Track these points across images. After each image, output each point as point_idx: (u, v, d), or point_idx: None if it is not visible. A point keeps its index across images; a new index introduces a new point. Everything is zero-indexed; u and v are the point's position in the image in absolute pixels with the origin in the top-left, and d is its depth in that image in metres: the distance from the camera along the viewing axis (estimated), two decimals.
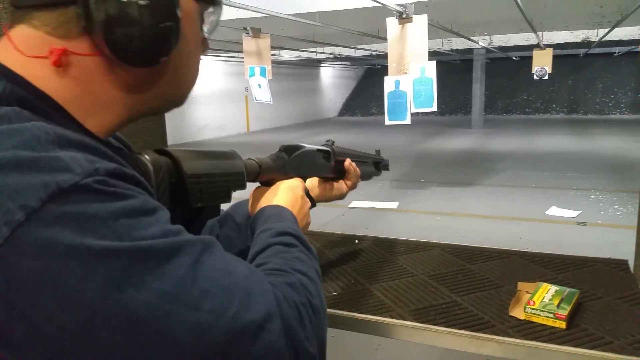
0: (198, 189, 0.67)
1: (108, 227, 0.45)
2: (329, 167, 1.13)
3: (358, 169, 1.22)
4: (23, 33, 0.55)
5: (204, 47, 0.68)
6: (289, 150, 0.97)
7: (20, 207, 0.42)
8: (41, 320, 0.42)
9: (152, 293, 0.45)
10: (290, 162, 0.95)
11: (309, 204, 0.91)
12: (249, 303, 0.51)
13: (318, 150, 1.08)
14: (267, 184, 0.90)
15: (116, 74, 0.57)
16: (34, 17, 0.54)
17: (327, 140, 1.16)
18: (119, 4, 0.53)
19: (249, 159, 0.84)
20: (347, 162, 1.18)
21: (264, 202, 0.84)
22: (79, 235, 0.43)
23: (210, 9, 0.66)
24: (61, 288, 0.42)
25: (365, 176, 1.33)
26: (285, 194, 0.86)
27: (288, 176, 0.93)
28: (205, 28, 0.67)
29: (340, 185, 1.19)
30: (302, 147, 1.01)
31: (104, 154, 0.52)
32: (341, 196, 1.20)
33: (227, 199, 0.74)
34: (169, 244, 0.49)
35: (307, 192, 1.07)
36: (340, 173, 1.19)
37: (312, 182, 1.12)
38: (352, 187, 1.22)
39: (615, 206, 5.86)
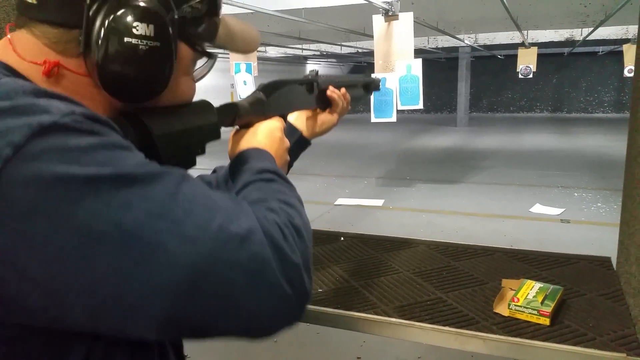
0: (169, 147, 0.67)
1: (89, 156, 0.48)
2: (313, 99, 1.10)
3: (347, 95, 1.18)
4: (23, 38, 0.59)
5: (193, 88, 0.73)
6: (268, 89, 0.94)
7: (7, 143, 0.46)
8: (41, 243, 0.46)
9: (140, 212, 0.49)
10: (268, 102, 0.93)
11: (287, 143, 0.91)
12: (231, 218, 0.55)
13: (300, 83, 1.06)
14: (247, 126, 0.89)
15: (105, 95, 0.60)
16: (37, 27, 0.58)
17: (311, 71, 1.13)
18: (120, 45, 0.57)
19: (225, 104, 0.84)
20: (329, 90, 1.14)
21: (242, 145, 0.85)
22: (63, 165, 0.46)
23: (204, 59, 0.72)
24: (53, 212, 0.46)
25: (354, 100, 1.28)
26: (263, 135, 0.86)
27: (267, 117, 0.91)
28: (196, 73, 0.72)
29: (329, 117, 1.16)
30: (282, 83, 0.99)
31: (79, 104, 0.54)
32: (333, 126, 1.17)
33: (202, 151, 0.74)
34: (150, 170, 0.52)
35: (299, 133, 1.09)
36: (327, 103, 1.15)
37: (300, 119, 1.11)
38: (342, 113, 1.19)
39: (598, 204, 5.93)
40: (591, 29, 8.43)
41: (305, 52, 13.28)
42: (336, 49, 12.53)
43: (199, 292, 0.51)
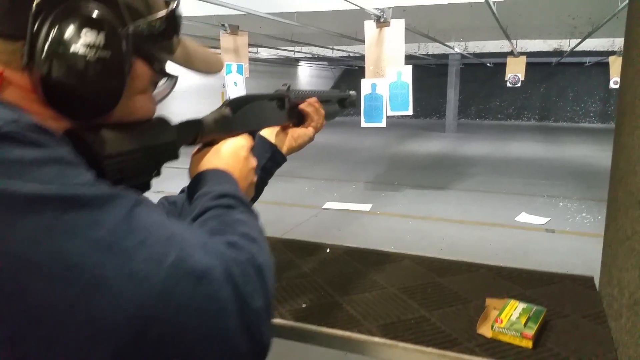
0: (117, 169, 0.61)
1: (34, 171, 0.44)
2: (284, 115, 1.05)
3: (321, 109, 1.15)
4: None
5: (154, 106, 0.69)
6: (234, 104, 0.89)
7: None
8: None
9: (85, 241, 0.44)
10: (235, 118, 0.87)
11: (254, 163, 0.85)
12: (188, 254, 0.49)
13: (270, 98, 1.01)
14: (211, 144, 0.83)
15: (52, 113, 0.56)
16: None
17: (283, 85, 1.08)
18: (66, 55, 0.53)
19: (186, 120, 0.78)
20: (304, 104, 1.10)
21: (203, 165, 0.79)
22: (3, 179, 0.42)
23: (164, 80, 0.68)
24: None
25: (328, 116, 1.24)
26: (226, 155, 0.81)
27: (234, 134, 0.86)
28: (156, 93, 0.68)
29: (304, 131, 1.12)
30: (250, 99, 0.94)
31: (25, 113, 0.50)
32: (310, 140, 1.13)
33: (157, 173, 0.69)
34: (100, 193, 0.47)
35: (274, 148, 1.04)
36: (301, 118, 1.12)
37: (274, 134, 1.07)
38: (318, 128, 1.15)
39: (583, 214, 5.98)
40: (579, 40, 8.52)
41: (297, 55, 13.26)
42: (328, 52, 12.53)
43: (145, 338, 0.45)
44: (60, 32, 0.53)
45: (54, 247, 0.43)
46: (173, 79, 0.70)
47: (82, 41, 0.53)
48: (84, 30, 0.54)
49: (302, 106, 1.10)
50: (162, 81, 0.71)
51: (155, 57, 0.65)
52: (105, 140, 0.60)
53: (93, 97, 0.56)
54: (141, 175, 0.66)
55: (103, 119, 0.60)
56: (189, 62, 0.71)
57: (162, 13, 0.63)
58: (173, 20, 0.65)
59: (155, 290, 0.46)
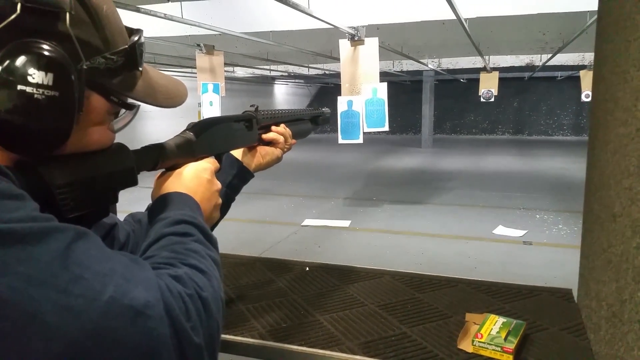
0: (71, 197, 0.61)
1: None
2: (252, 136, 1.05)
3: (288, 130, 1.16)
4: None
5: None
6: (197, 128, 0.88)
7: None
8: None
9: (17, 277, 0.43)
10: (198, 142, 0.87)
11: (218, 186, 0.85)
12: (127, 289, 0.49)
13: (237, 120, 1.00)
14: (173, 168, 0.83)
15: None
16: None
17: (251, 105, 1.08)
18: (12, 93, 0.52)
19: (146, 146, 0.78)
20: (267, 135, 1.11)
21: (165, 188, 0.79)
22: None
23: (123, 111, 0.68)
24: None
25: (300, 134, 1.25)
26: (188, 178, 0.80)
27: (198, 158, 0.86)
28: (115, 123, 0.68)
29: (273, 149, 1.12)
30: (215, 122, 0.93)
31: None
32: (277, 160, 1.14)
33: (114, 199, 0.68)
34: (37, 228, 0.47)
35: (240, 164, 1.04)
36: (269, 139, 1.12)
37: (238, 153, 1.07)
38: (286, 149, 1.16)
39: (560, 226, 6.06)
40: (550, 55, 8.72)
41: (273, 73, 13.31)
42: (304, 71, 12.61)
43: None
44: (7, 71, 0.52)
45: None
46: (131, 109, 0.69)
47: (30, 80, 0.53)
48: (32, 70, 0.53)
49: (265, 136, 1.11)
50: (122, 111, 0.70)
51: (113, 91, 0.64)
52: (56, 171, 0.60)
53: (39, 134, 0.55)
54: (97, 202, 0.66)
55: (56, 151, 0.59)
56: (150, 97, 0.70)
57: (121, 48, 0.62)
58: (132, 55, 0.64)
59: (90, 325, 0.46)
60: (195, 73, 6.08)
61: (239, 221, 6.10)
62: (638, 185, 0.94)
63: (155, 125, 14.30)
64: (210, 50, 5.72)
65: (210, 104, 5.72)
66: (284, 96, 23.05)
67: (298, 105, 24.12)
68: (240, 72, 12.64)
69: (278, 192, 8.16)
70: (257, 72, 12.88)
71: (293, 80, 19.99)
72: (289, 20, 5.87)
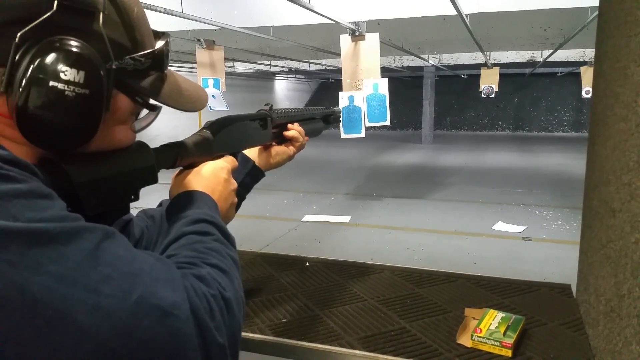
0: (93, 195, 0.62)
1: (1, 206, 0.44)
2: (267, 135, 1.06)
3: (303, 130, 1.17)
4: None
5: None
6: (215, 126, 0.89)
7: None
8: None
9: (50, 276, 0.44)
10: (215, 141, 0.88)
11: (234, 185, 0.86)
12: (154, 289, 0.50)
13: (252, 119, 1.01)
14: (191, 167, 0.84)
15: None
16: None
17: (266, 104, 1.09)
18: (44, 89, 0.52)
19: (165, 144, 0.79)
20: (289, 131, 1.13)
21: (183, 187, 0.80)
22: None
23: (145, 111, 0.69)
24: None
25: (313, 133, 1.26)
26: (206, 177, 0.81)
27: (214, 157, 0.87)
28: (137, 123, 0.69)
29: (284, 149, 1.14)
30: (231, 120, 0.94)
31: None
32: (289, 159, 1.16)
33: (135, 197, 0.69)
34: (67, 228, 0.47)
35: (252, 163, 1.05)
36: (284, 137, 1.13)
37: (252, 152, 1.08)
38: (300, 148, 1.18)
39: (559, 222, 6.07)
40: (551, 51, 8.71)
41: (274, 68, 13.30)
42: (304, 66, 12.59)
43: None
44: (40, 66, 0.52)
45: (18, 281, 0.43)
46: (154, 110, 0.71)
47: (61, 77, 0.53)
48: (65, 67, 0.53)
49: (287, 133, 1.13)
50: (144, 111, 0.71)
51: (138, 92, 0.65)
52: (80, 168, 0.61)
53: (67, 131, 0.56)
54: (119, 200, 0.67)
55: (80, 148, 0.60)
56: (174, 100, 0.70)
57: (149, 50, 0.63)
58: (159, 58, 0.65)
59: (119, 325, 0.47)
60: (195, 68, 6.08)
61: (239, 216, 6.08)
62: (637, 180, 0.94)
63: (155, 121, 14.29)
64: (210, 45, 5.72)
65: (213, 97, 5.72)
66: (284, 92, 23.01)
67: (298, 101, 24.08)
68: (240, 67, 12.64)
69: (278, 187, 8.17)
70: (258, 67, 12.88)
71: (293, 76, 19.97)
72: (289, 15, 5.86)
